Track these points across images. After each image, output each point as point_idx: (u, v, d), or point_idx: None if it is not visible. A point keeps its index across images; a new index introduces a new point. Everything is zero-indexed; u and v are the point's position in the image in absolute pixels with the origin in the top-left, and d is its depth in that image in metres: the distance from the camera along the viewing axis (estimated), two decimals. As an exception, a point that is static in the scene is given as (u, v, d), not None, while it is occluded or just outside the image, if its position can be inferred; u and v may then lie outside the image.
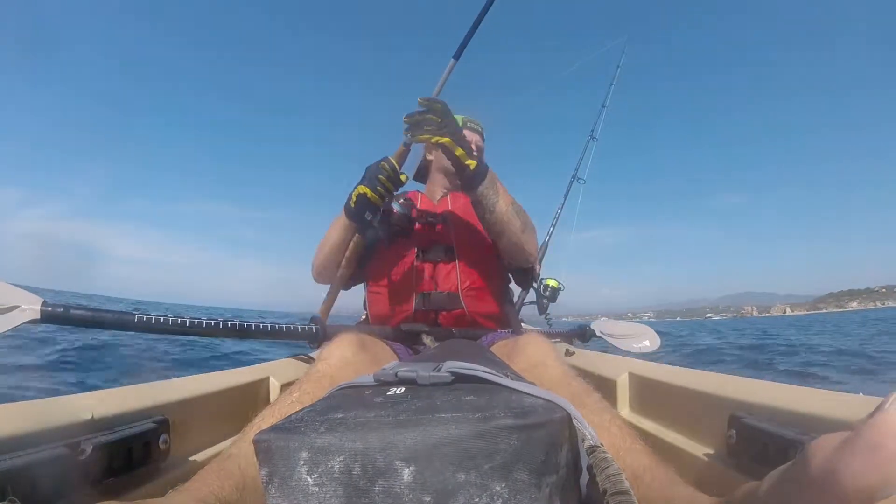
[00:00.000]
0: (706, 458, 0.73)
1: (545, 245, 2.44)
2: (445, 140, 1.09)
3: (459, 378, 0.43)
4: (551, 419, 0.34)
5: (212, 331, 1.08)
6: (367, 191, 1.13)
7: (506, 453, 0.32)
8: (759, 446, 0.61)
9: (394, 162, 1.16)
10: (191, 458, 0.78)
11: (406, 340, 1.19)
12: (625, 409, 1.06)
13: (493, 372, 0.44)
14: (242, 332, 1.10)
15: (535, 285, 2.24)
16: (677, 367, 1.02)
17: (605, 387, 1.06)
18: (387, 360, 0.97)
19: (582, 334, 1.75)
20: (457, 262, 1.28)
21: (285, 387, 1.05)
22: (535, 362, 0.80)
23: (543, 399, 0.38)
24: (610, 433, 0.63)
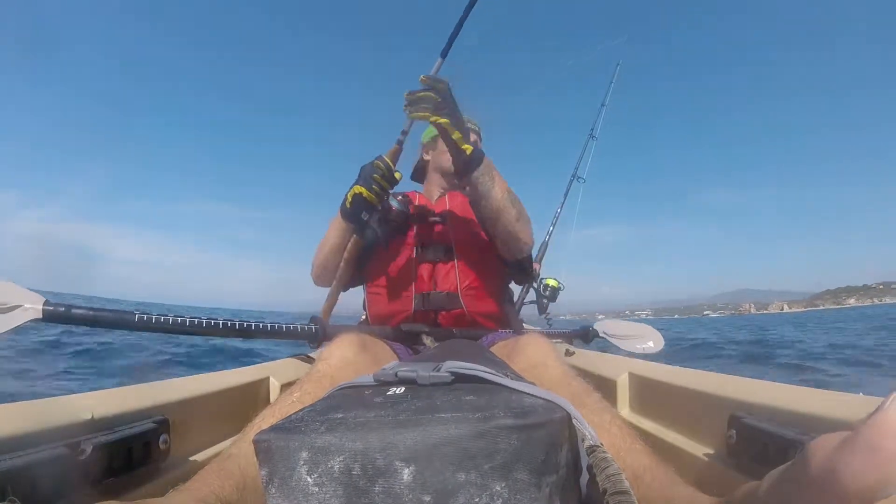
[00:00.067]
0: (706, 458, 0.73)
1: (545, 244, 2.44)
2: (443, 120, 1.08)
3: (459, 378, 0.43)
4: (551, 419, 0.34)
5: (212, 330, 1.08)
6: (363, 190, 1.13)
7: (506, 453, 0.32)
8: (759, 446, 0.61)
9: (388, 160, 1.16)
10: (191, 458, 0.78)
11: (406, 341, 1.19)
12: (625, 409, 1.06)
13: (493, 372, 0.44)
14: (242, 331, 1.10)
15: (535, 285, 2.24)
16: (677, 367, 1.02)
17: (605, 387, 1.06)
18: (387, 360, 0.97)
19: (585, 335, 1.73)
20: (455, 261, 1.28)
21: (285, 387, 1.05)
22: (535, 362, 0.80)
23: (543, 399, 0.38)
24: (610, 433, 0.63)
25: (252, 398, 1.01)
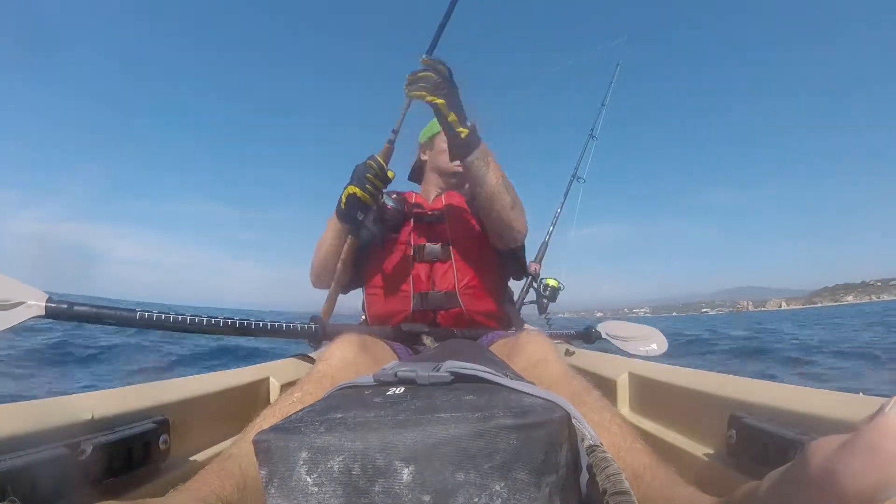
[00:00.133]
0: (706, 458, 0.73)
1: (545, 244, 2.44)
2: (439, 101, 1.08)
3: (459, 378, 0.43)
4: (550, 419, 0.34)
5: (212, 328, 1.08)
6: (357, 190, 1.14)
7: (505, 453, 0.32)
8: (759, 446, 0.61)
9: (380, 160, 1.17)
10: (191, 459, 0.78)
11: (406, 340, 1.19)
12: (625, 409, 1.05)
13: (493, 372, 0.44)
14: (243, 329, 1.10)
15: (535, 285, 2.24)
16: (677, 366, 1.02)
17: (604, 386, 1.05)
18: (387, 360, 0.97)
19: (587, 336, 1.72)
20: (453, 260, 1.28)
21: (285, 387, 1.05)
22: (535, 360, 0.80)
23: (543, 399, 0.38)
24: (610, 432, 0.63)
25: (252, 398, 1.01)
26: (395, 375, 0.45)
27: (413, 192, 1.47)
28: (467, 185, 1.23)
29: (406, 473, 0.32)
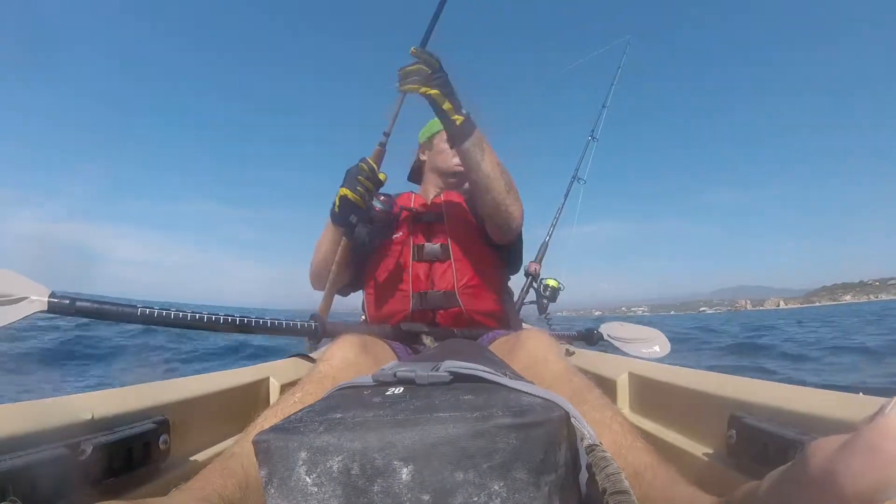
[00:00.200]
0: (706, 458, 0.73)
1: (545, 245, 2.44)
2: (433, 92, 1.09)
3: (458, 377, 0.43)
4: (549, 418, 0.34)
5: (212, 325, 1.09)
6: (349, 192, 1.15)
7: (504, 452, 0.32)
8: (759, 446, 0.61)
9: (371, 162, 1.18)
10: (191, 459, 0.78)
11: (406, 340, 1.19)
12: (625, 409, 1.05)
13: (492, 371, 0.44)
14: (242, 327, 1.11)
15: (535, 285, 2.24)
16: (677, 366, 1.02)
17: (604, 386, 1.05)
18: (388, 360, 0.97)
19: (589, 337, 1.70)
20: (452, 260, 1.28)
21: (285, 387, 1.05)
22: (536, 358, 0.80)
23: (542, 398, 0.38)
24: (612, 430, 0.63)
25: (252, 398, 1.01)
26: (395, 375, 0.45)
27: (412, 192, 1.47)
28: (466, 185, 1.23)
29: (405, 473, 0.32)
